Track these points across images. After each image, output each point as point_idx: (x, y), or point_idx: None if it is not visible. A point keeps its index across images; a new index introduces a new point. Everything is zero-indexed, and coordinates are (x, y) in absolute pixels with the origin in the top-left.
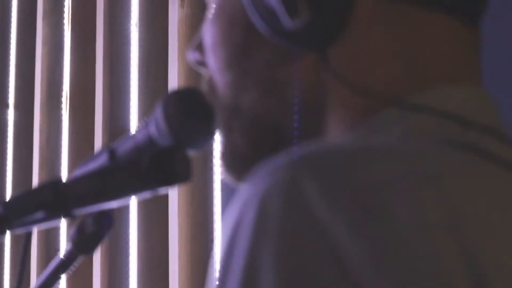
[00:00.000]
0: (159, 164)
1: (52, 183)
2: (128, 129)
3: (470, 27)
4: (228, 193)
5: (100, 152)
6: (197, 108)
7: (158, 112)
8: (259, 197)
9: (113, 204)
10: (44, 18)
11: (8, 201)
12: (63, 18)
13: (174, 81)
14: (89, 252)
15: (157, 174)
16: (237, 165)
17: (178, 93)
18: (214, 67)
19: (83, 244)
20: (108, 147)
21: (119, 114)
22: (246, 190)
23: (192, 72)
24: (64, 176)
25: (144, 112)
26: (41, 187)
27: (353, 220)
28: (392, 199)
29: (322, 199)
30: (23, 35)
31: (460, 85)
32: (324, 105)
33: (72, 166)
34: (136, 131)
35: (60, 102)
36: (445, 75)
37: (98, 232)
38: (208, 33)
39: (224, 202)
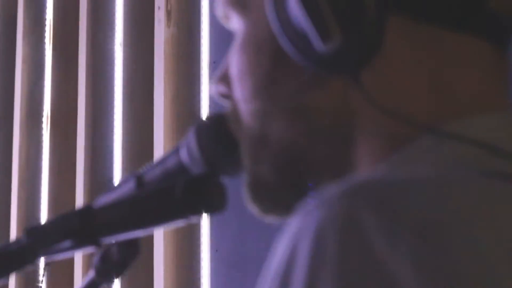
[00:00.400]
0: (194, 190)
1: (80, 211)
2: (111, 151)
3: (499, 49)
4: (215, 235)
5: (126, 179)
6: (229, 136)
7: (191, 139)
8: (313, 229)
9: (143, 233)
10: (24, 37)
11: (34, 228)
12: (44, 36)
13: (159, 102)
14: (112, 280)
15: (192, 200)
16: (264, 196)
17: (211, 120)
18: (240, 96)
19: (106, 272)
20: (134, 174)
21: (102, 135)
22: (297, 222)
23: (178, 93)
24: (43, 196)
25: (129, 133)
26: (69, 215)
27: (415, 254)
28: (452, 232)
29: (381, 232)
30: (2, 53)
31: (492, 112)
32: (353, 132)
33: (52, 187)
34: (165, 158)
35: (40, 122)
36: (478, 101)
37: (123, 260)
38: (234, 62)
39: (212, 245)
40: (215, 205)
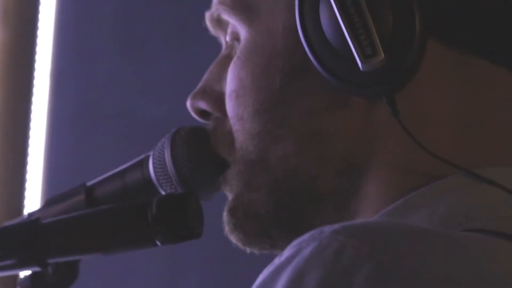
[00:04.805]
0: (170, 213)
1: (26, 225)
2: None
3: None
4: None
5: (73, 190)
6: (211, 154)
7: (164, 154)
8: (295, 264)
9: (98, 256)
10: None
11: None
12: None
13: None
14: None
15: (168, 225)
16: (251, 227)
17: (189, 134)
18: (236, 114)
19: None
20: (83, 186)
21: None
22: (285, 255)
23: (7, 103)
24: None
25: None
26: (13, 229)
27: None
28: None
29: (368, 280)
30: None
31: None
32: (369, 162)
33: None
34: (123, 171)
35: None
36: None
37: (60, 283)
38: (233, 75)
39: None
40: (194, 232)
